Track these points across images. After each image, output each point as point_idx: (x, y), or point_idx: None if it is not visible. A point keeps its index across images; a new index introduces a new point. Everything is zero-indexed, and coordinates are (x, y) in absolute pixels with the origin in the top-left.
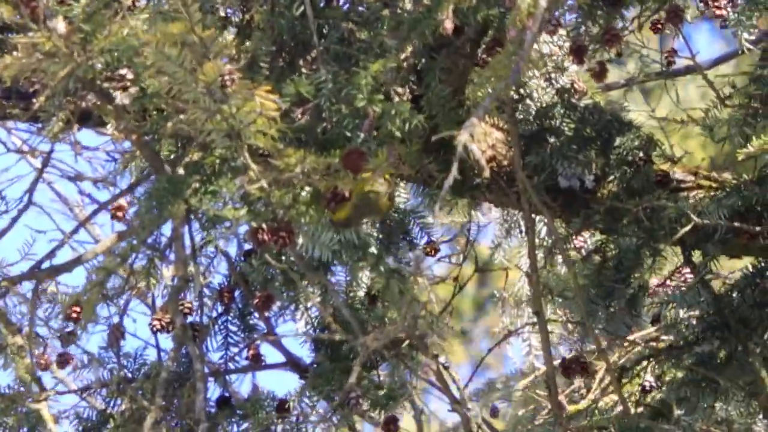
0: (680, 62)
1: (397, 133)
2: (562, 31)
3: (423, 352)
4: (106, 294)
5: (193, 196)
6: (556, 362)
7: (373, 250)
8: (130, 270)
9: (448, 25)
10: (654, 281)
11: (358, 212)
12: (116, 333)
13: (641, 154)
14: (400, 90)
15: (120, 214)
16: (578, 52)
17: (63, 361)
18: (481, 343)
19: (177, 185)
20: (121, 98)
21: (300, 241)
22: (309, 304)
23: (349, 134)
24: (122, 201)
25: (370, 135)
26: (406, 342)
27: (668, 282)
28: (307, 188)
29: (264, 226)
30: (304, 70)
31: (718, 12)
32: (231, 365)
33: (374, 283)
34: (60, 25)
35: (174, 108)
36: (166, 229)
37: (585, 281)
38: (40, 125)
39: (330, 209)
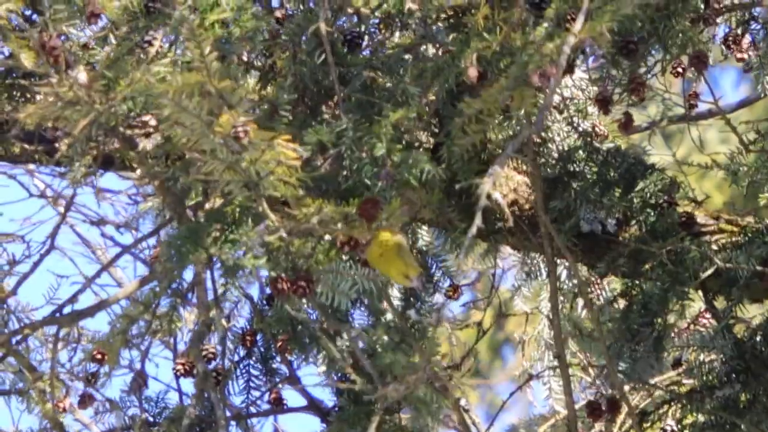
0: (703, 106)
1: (414, 182)
2: (583, 75)
3: (444, 397)
4: (129, 339)
5: (214, 244)
6: (578, 406)
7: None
8: (153, 315)
9: (472, 72)
10: (679, 325)
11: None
12: (139, 379)
13: (665, 197)
14: (422, 137)
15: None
16: (604, 103)
17: (86, 401)
18: (499, 388)
19: (197, 233)
20: (144, 145)
21: (319, 289)
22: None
23: (368, 182)
24: (159, 250)
25: (389, 184)
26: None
27: (690, 326)
28: (327, 237)
29: (283, 275)
30: (326, 117)
31: (739, 55)
32: (253, 409)
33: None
34: (81, 74)
35: (194, 156)
36: (188, 274)
37: (610, 325)
38: (62, 170)
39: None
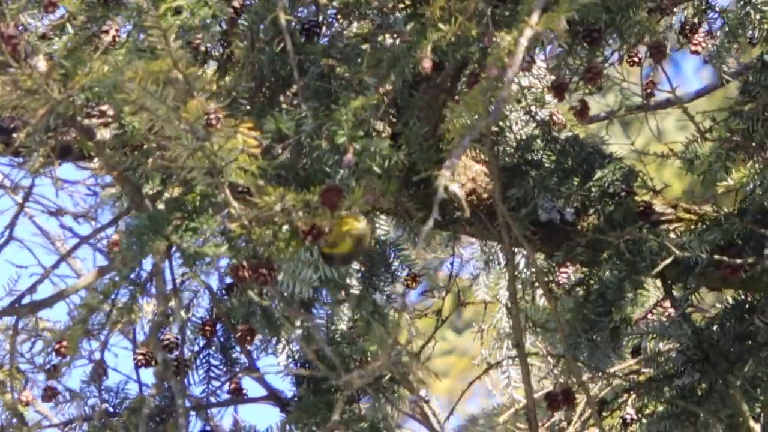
0: (661, 95)
1: (377, 170)
2: (541, 64)
3: (405, 386)
4: (89, 330)
5: (174, 232)
6: (537, 395)
7: (355, 290)
8: (112, 305)
9: (427, 64)
10: (636, 314)
11: (358, 247)
12: (99, 369)
13: (623, 186)
14: (379, 126)
15: (117, 249)
16: (559, 90)
17: (49, 395)
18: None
19: (158, 222)
20: (101, 134)
21: (281, 277)
22: (291, 338)
23: (328, 170)
24: (117, 237)
25: (350, 171)
26: (387, 377)
27: (649, 315)
28: (287, 225)
29: (245, 263)
30: (284, 106)
31: (693, 48)
32: (213, 399)
33: (356, 324)
34: (41, 63)
35: (155, 144)
36: (147, 264)
37: (568, 314)
38: (20, 160)
39: (327, 244)
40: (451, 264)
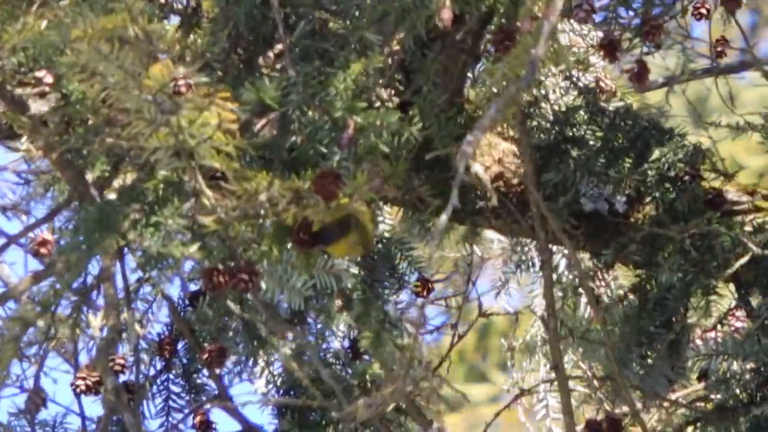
0: (734, 55)
1: (385, 149)
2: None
3: (416, 419)
4: (20, 349)
5: (132, 228)
6: (579, 427)
7: (358, 295)
8: (51, 318)
9: (446, 14)
10: (703, 326)
11: (356, 245)
12: (36, 398)
13: (687, 169)
14: (385, 95)
15: (44, 250)
16: (610, 49)
17: None
18: (480, 409)
19: (110, 216)
20: (37, 107)
21: (264, 284)
22: (277, 359)
23: (323, 151)
24: (46, 234)
25: (349, 151)
26: (392, 406)
27: (719, 328)
28: (273, 219)
29: (220, 266)
30: (267, 72)
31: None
32: None
33: (361, 337)
34: None
35: (106, 119)
36: (93, 268)
37: (618, 327)
38: None
39: (327, 244)
40: (469, 265)
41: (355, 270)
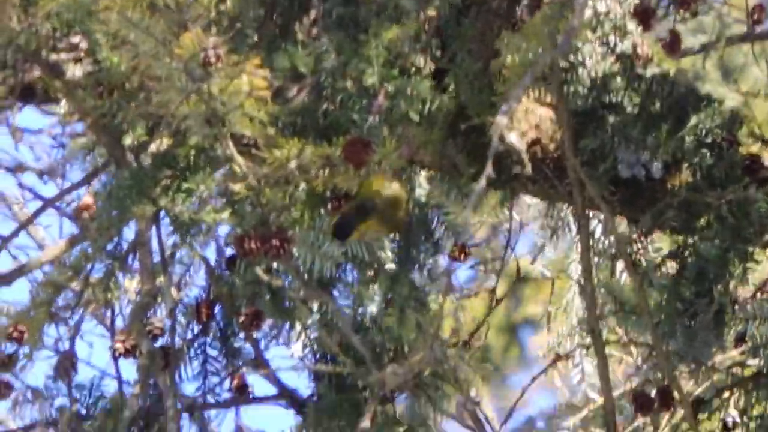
0: None
1: (415, 117)
2: None
3: (452, 383)
4: (54, 313)
5: (163, 195)
6: (617, 393)
7: (388, 268)
8: (84, 283)
9: None
10: (743, 293)
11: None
12: (66, 362)
13: (724, 135)
14: (419, 62)
15: (87, 215)
16: (645, 16)
17: (2, 392)
18: (513, 379)
19: (143, 181)
20: (72, 72)
21: (296, 251)
22: (308, 323)
23: (355, 118)
24: (89, 198)
25: (381, 119)
26: (429, 371)
27: (757, 294)
28: (305, 185)
29: (252, 232)
30: (300, 39)
31: None
32: (210, 399)
33: (386, 314)
34: None
35: (140, 86)
36: (129, 233)
37: (657, 293)
38: None
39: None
40: (509, 232)
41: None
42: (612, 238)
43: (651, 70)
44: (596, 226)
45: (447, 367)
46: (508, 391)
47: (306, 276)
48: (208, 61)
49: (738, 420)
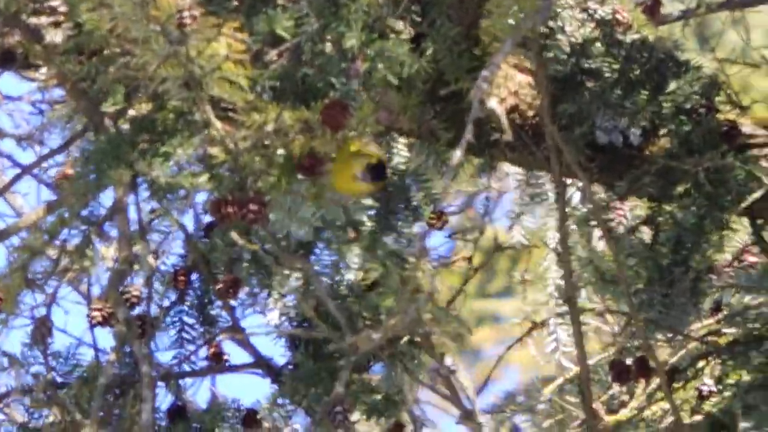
0: None
1: (394, 80)
2: None
3: (428, 351)
4: (30, 279)
5: (141, 159)
6: (592, 361)
7: (367, 226)
8: (61, 250)
9: None
10: (720, 261)
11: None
12: (42, 327)
13: (702, 101)
14: (398, 26)
15: (66, 184)
16: None
17: None
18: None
19: (120, 146)
20: (52, 36)
21: (273, 215)
22: (284, 291)
23: (334, 81)
24: (68, 169)
25: (359, 82)
26: (406, 338)
27: (733, 263)
28: (283, 150)
29: (229, 196)
30: (279, 2)
31: None
32: (186, 367)
33: (369, 269)
34: None
35: (118, 50)
36: (106, 199)
37: (632, 260)
38: None
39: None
40: (487, 199)
41: (369, 202)
42: (589, 204)
43: (630, 36)
44: (574, 193)
45: (422, 331)
46: (483, 364)
47: (283, 242)
48: (183, 22)
49: (713, 389)
